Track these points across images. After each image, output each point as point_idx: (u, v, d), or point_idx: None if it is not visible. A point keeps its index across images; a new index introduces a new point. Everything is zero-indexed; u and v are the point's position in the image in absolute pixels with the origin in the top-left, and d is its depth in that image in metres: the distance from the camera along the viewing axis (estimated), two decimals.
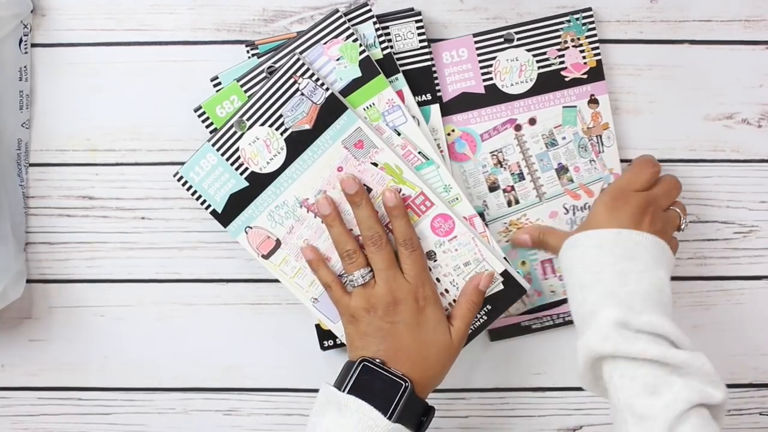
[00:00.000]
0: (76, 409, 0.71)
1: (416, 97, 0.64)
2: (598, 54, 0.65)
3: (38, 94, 0.67)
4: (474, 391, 0.70)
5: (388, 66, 0.63)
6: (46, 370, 0.70)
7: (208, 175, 0.62)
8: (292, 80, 0.60)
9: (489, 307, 0.64)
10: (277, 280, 0.68)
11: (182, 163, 0.67)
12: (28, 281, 0.68)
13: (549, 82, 0.65)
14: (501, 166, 0.66)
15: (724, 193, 0.68)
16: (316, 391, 0.70)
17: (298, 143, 0.61)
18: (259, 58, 0.64)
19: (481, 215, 0.65)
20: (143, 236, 0.68)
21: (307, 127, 0.61)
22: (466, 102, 0.65)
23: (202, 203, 0.62)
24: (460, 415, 0.71)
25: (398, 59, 0.64)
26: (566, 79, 0.65)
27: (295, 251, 0.63)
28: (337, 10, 0.61)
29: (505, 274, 0.63)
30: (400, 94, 0.63)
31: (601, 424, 0.70)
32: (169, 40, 0.66)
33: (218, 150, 0.62)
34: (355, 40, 0.61)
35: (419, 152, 0.63)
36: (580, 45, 0.64)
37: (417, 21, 0.64)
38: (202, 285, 0.69)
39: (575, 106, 0.65)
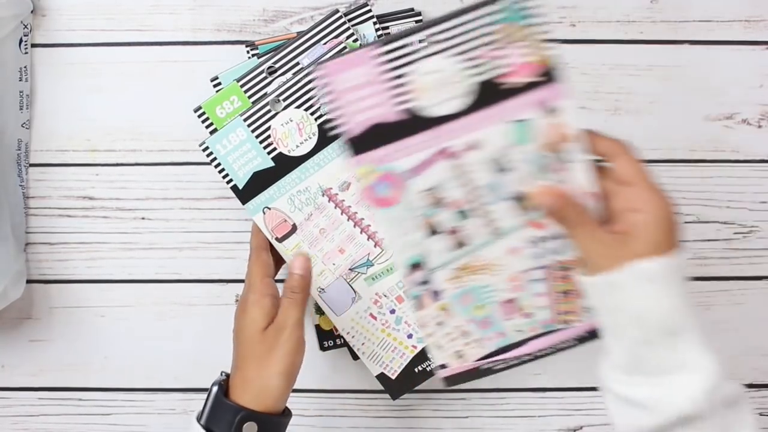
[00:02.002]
0: (76, 410, 0.71)
1: None
2: (551, 49, 0.48)
3: (38, 94, 0.67)
4: (474, 391, 0.70)
5: None
6: (47, 371, 0.70)
7: (234, 150, 0.61)
8: None
9: None
10: (276, 281, 0.68)
11: (182, 163, 0.67)
12: (29, 281, 0.68)
13: (489, 93, 0.49)
14: (439, 206, 0.52)
15: (724, 193, 0.68)
16: (316, 391, 0.70)
17: (330, 131, 0.61)
18: (259, 58, 0.64)
19: (422, 265, 0.54)
20: (143, 236, 0.68)
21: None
22: (381, 135, 0.50)
23: (224, 177, 0.62)
24: (460, 415, 0.71)
25: None
26: (511, 87, 0.49)
27: (310, 238, 0.62)
28: (337, 10, 0.61)
29: None
30: None
31: (602, 425, 0.70)
32: (169, 40, 0.66)
33: (249, 126, 0.61)
34: (355, 40, 0.61)
35: None
36: (524, 40, 0.48)
37: (417, 21, 0.64)
38: (202, 285, 0.69)
39: (528, 119, 0.50)
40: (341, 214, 0.62)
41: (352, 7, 0.63)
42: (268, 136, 0.61)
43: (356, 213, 0.62)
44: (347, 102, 0.50)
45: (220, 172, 0.61)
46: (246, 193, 0.62)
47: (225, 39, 0.66)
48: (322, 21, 0.61)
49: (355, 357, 0.66)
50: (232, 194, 0.64)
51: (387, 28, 0.63)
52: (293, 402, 0.70)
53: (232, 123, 0.61)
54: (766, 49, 0.66)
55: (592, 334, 0.57)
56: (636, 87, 0.67)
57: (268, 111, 0.61)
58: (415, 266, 0.55)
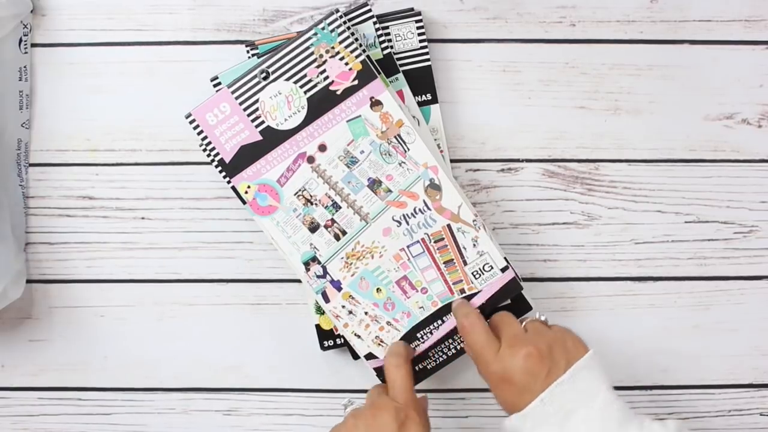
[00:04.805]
0: (76, 409, 0.71)
1: (416, 97, 0.64)
2: (360, 55, 0.60)
3: (38, 94, 0.67)
4: (474, 391, 0.70)
5: (388, 66, 0.63)
6: (46, 370, 0.70)
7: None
8: None
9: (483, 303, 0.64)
10: (277, 281, 0.68)
11: (182, 163, 0.67)
12: (28, 281, 0.68)
13: (322, 102, 0.61)
14: (311, 204, 0.62)
15: (724, 193, 0.68)
16: (316, 391, 0.70)
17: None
18: (259, 58, 0.63)
19: (315, 259, 0.63)
20: (143, 236, 0.68)
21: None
22: (248, 154, 0.61)
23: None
24: (460, 415, 0.71)
25: (398, 59, 0.64)
26: (338, 93, 0.60)
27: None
28: (337, 10, 0.61)
29: (505, 269, 0.63)
30: (400, 93, 0.63)
31: None
32: (169, 40, 0.66)
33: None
34: (356, 40, 0.61)
35: None
36: (337, 53, 0.60)
37: (417, 21, 0.64)
38: (202, 285, 0.69)
39: (359, 116, 0.61)
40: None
41: (352, 7, 0.63)
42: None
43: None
44: (217, 134, 0.61)
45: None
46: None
47: (225, 39, 0.66)
48: (319, 23, 0.61)
49: (355, 357, 0.66)
50: (232, 194, 0.64)
51: (387, 27, 0.63)
52: (293, 402, 0.70)
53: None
54: (766, 49, 0.66)
55: (492, 302, 0.63)
56: (636, 87, 0.67)
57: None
58: (310, 262, 0.63)
